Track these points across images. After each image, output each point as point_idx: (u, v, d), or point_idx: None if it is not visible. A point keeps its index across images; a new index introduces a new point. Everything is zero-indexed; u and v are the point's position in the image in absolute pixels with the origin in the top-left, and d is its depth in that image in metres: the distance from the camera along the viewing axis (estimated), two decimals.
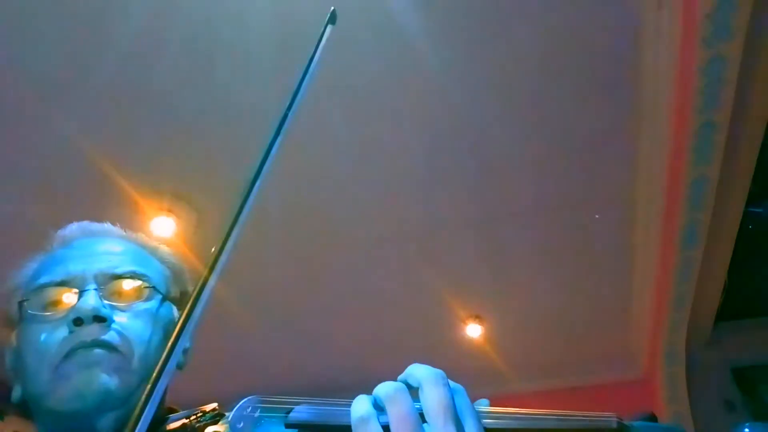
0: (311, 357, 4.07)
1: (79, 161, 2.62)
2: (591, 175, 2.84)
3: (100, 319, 0.63)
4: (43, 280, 0.67)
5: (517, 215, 3.06)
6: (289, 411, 0.51)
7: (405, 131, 2.64)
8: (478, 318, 3.83)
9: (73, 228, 0.76)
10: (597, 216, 3.01)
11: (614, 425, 0.46)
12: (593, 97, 2.46)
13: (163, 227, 2.85)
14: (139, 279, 0.69)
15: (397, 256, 3.34)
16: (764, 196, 2.71)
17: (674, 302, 3.25)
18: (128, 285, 0.68)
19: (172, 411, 0.63)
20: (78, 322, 0.62)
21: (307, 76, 0.56)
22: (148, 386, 0.44)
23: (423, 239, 3.22)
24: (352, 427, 0.44)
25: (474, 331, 3.87)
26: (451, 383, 0.46)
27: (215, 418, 0.59)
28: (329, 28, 0.65)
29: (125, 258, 0.71)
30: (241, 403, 0.54)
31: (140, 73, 2.33)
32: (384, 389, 0.45)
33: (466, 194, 2.96)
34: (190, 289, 0.76)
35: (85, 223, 0.77)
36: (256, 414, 0.54)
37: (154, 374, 0.45)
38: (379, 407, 0.45)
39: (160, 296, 0.71)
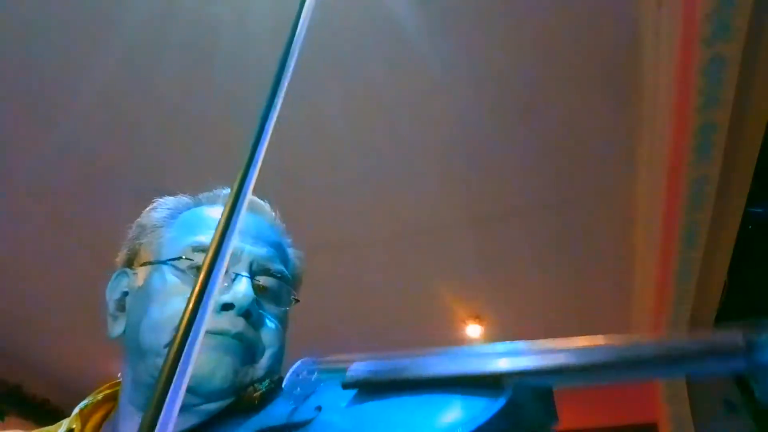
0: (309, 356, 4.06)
1: (77, 159, 2.62)
2: (591, 175, 2.84)
3: (248, 314, 0.61)
4: (202, 240, 0.64)
5: (517, 215, 3.06)
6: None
7: (405, 131, 2.64)
8: (478, 318, 3.83)
9: None
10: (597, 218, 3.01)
11: (740, 343, 0.35)
12: (593, 96, 2.46)
13: None
14: (287, 284, 0.68)
15: (397, 256, 3.34)
16: (764, 196, 2.71)
17: (674, 302, 3.25)
18: (276, 285, 0.66)
19: None
20: (227, 307, 0.60)
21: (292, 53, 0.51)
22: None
23: (423, 239, 3.22)
24: None
25: (474, 331, 3.87)
26: None
27: (271, 385, 0.56)
28: None
29: (276, 252, 0.69)
30: (294, 366, 0.51)
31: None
32: None
33: (466, 194, 2.96)
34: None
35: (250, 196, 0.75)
36: (314, 377, 0.51)
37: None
38: None
39: (290, 302, 0.70)
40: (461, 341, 3.95)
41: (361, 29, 2.20)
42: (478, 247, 3.28)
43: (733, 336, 0.36)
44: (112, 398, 0.69)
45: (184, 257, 0.64)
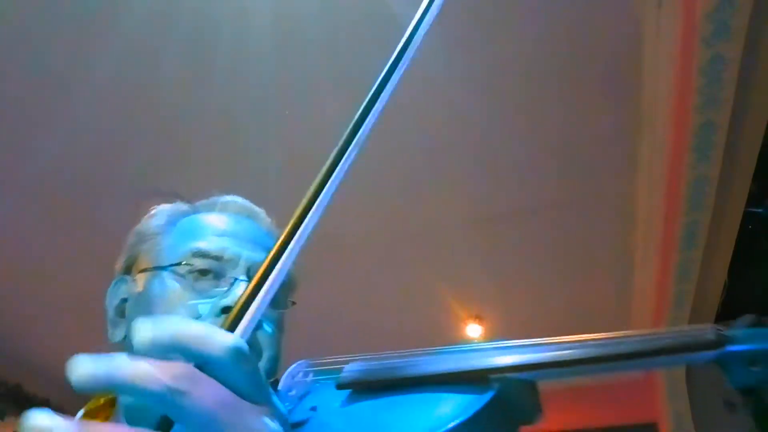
0: (309, 358, 4.06)
1: (78, 161, 2.62)
2: (591, 175, 2.84)
3: None
4: (204, 246, 0.66)
5: (517, 215, 3.06)
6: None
7: (405, 131, 2.64)
8: (478, 318, 3.83)
9: (236, 201, 0.74)
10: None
11: (711, 336, 0.39)
12: (593, 97, 2.46)
13: None
14: (284, 288, 0.67)
15: (397, 256, 3.34)
16: (764, 196, 2.71)
17: (674, 302, 3.25)
18: None
19: None
20: (227, 311, 0.60)
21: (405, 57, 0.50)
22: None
23: (423, 239, 3.22)
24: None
25: (474, 331, 3.87)
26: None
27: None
28: None
29: None
30: (290, 369, 0.52)
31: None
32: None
33: (466, 194, 2.96)
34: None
35: (245, 202, 0.75)
36: (309, 378, 0.52)
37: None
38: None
39: (288, 305, 0.70)
40: (461, 341, 3.94)
41: (361, 28, 2.20)
42: (478, 247, 3.28)
43: (704, 331, 0.40)
44: (112, 404, 0.69)
45: (184, 263, 0.64)
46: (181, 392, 0.30)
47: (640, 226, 3.08)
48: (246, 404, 0.33)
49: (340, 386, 0.47)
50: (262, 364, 0.63)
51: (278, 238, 0.74)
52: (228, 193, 0.76)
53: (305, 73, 2.33)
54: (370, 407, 0.44)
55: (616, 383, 4.16)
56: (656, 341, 0.41)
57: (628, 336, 0.42)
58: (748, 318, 0.43)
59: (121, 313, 0.68)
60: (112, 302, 0.70)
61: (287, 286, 0.70)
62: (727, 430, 3.49)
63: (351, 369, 0.48)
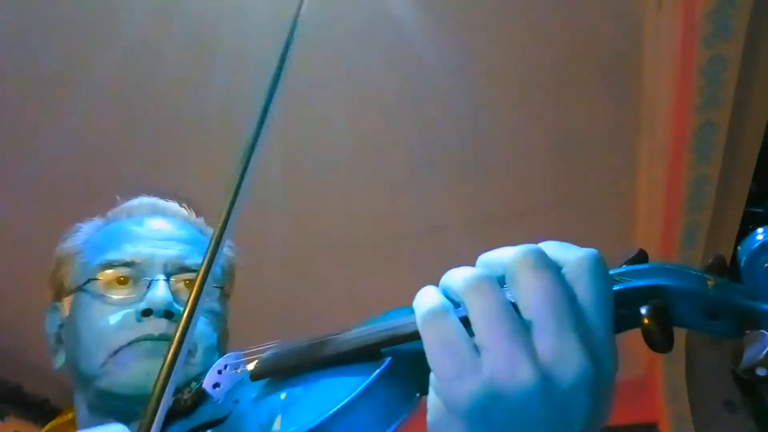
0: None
1: (79, 161, 2.62)
2: (591, 175, 2.84)
3: (169, 314, 0.62)
4: (111, 256, 0.66)
5: (516, 216, 3.06)
6: None
7: (405, 130, 2.64)
8: None
9: (142, 202, 0.75)
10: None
11: None
12: (593, 96, 2.46)
13: None
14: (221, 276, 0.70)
15: (397, 257, 3.34)
16: (764, 196, 2.71)
17: None
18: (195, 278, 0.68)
19: None
20: (147, 313, 0.61)
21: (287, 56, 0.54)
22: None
23: (423, 240, 3.22)
24: (420, 327, 0.34)
25: None
26: (568, 257, 0.32)
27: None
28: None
29: (193, 248, 0.70)
30: (217, 363, 0.52)
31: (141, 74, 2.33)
32: (459, 276, 0.34)
33: (465, 194, 2.96)
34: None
35: (154, 200, 0.76)
36: (239, 370, 0.52)
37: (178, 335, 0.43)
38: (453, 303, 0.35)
39: (220, 292, 0.71)
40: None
41: (361, 28, 2.20)
42: (478, 248, 3.27)
43: None
44: (73, 424, 0.69)
45: (95, 278, 0.65)
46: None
47: (640, 226, 3.08)
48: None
49: (253, 377, 0.47)
50: (199, 357, 0.63)
51: (195, 226, 0.75)
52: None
53: (305, 72, 2.33)
54: (277, 395, 0.45)
55: (616, 383, 4.16)
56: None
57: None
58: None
59: (59, 339, 0.69)
60: (50, 331, 0.71)
61: (227, 272, 0.71)
62: (727, 430, 3.50)
63: (263, 358, 0.48)
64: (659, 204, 2.82)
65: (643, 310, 0.34)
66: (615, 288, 0.36)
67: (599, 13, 2.16)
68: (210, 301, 0.68)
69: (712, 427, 3.60)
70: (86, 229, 0.75)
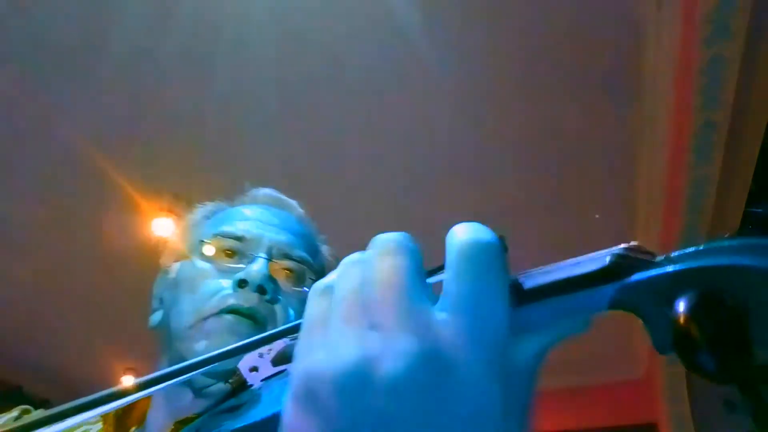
0: None
1: (80, 161, 2.62)
2: (591, 176, 2.84)
3: (262, 290, 0.63)
4: (225, 229, 0.69)
5: (516, 216, 3.06)
6: None
7: (405, 130, 2.64)
8: None
9: (265, 192, 0.79)
10: (597, 216, 3.01)
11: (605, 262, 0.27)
12: (593, 97, 2.46)
13: (163, 227, 2.85)
14: (307, 266, 0.71)
15: None
16: (764, 196, 2.71)
17: None
18: (296, 268, 0.70)
19: None
20: (242, 284, 0.63)
21: None
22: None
23: (423, 240, 3.22)
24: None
25: None
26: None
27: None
28: None
29: (300, 241, 0.73)
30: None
31: (140, 73, 2.33)
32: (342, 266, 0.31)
33: (465, 195, 2.96)
34: None
35: (276, 194, 0.80)
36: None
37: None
38: None
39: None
40: None
41: (361, 28, 2.20)
42: None
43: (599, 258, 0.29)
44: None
45: (207, 242, 0.68)
46: None
47: (640, 226, 3.08)
48: None
49: (275, 363, 0.48)
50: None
51: (310, 226, 0.79)
52: (257, 188, 0.79)
53: (305, 73, 2.33)
54: (281, 383, 0.46)
55: (616, 383, 4.17)
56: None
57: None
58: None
59: (161, 300, 0.72)
60: (156, 292, 0.74)
61: (314, 269, 0.72)
62: (727, 430, 3.50)
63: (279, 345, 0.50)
64: (659, 204, 2.82)
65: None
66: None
67: (600, 13, 2.16)
68: (299, 289, 0.70)
69: (712, 427, 3.60)
70: (211, 207, 0.78)
